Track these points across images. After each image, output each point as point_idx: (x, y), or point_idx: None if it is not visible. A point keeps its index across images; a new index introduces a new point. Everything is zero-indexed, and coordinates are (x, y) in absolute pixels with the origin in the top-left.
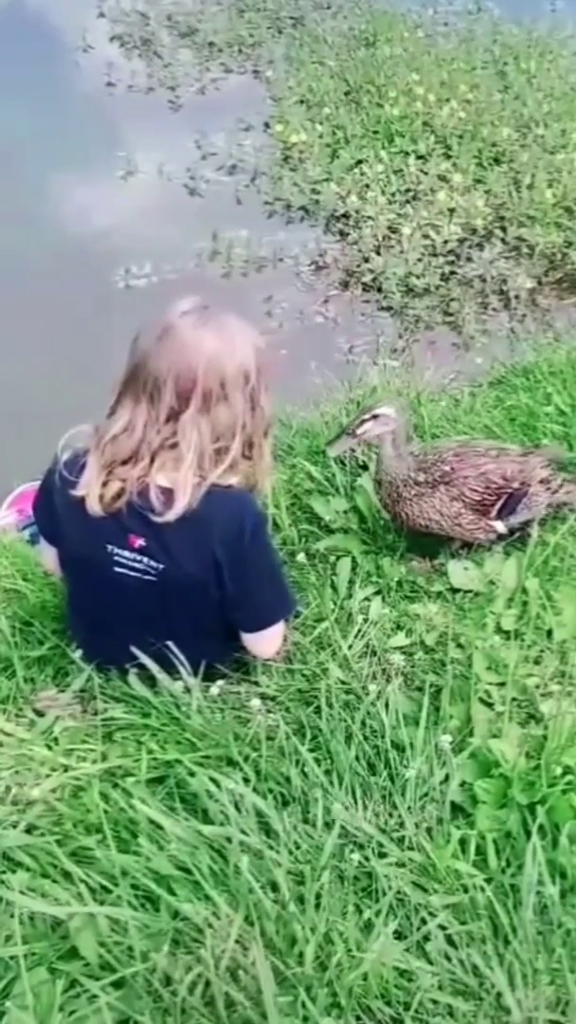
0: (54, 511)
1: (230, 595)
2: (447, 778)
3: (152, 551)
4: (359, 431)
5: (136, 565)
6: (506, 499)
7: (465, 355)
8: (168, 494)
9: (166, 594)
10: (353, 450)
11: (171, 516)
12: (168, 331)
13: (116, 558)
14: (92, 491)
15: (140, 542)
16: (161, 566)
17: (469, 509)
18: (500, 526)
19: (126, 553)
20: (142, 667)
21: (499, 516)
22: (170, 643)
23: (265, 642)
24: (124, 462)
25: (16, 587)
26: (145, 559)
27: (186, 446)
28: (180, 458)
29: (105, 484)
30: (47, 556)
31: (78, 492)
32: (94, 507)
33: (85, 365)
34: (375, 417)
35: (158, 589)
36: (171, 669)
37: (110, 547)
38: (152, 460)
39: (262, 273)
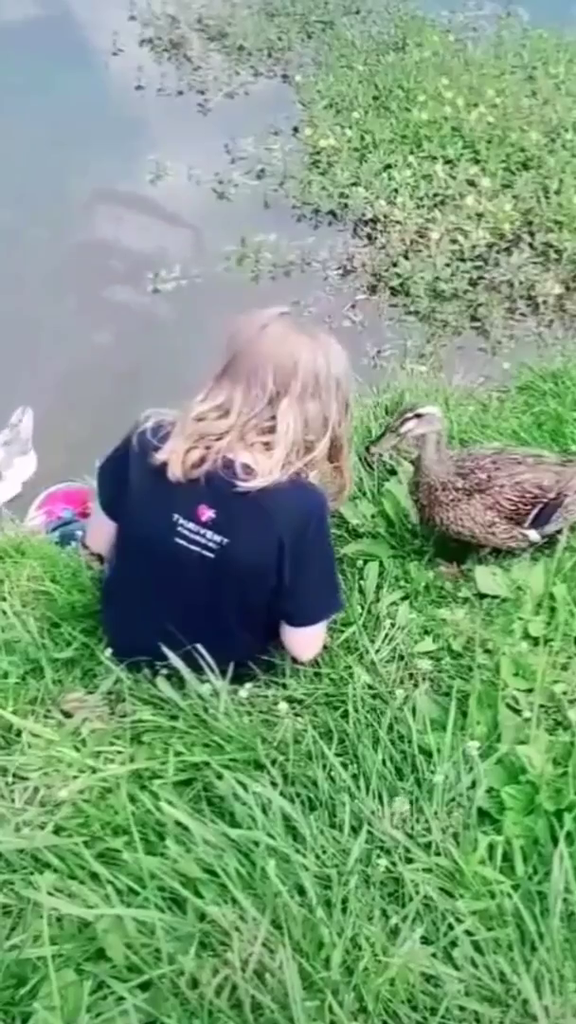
0: (125, 477)
1: (285, 583)
2: (474, 784)
3: (219, 525)
4: (402, 429)
5: (198, 539)
6: (541, 508)
7: (493, 360)
8: (250, 471)
9: (221, 574)
10: (383, 454)
11: (256, 483)
12: (268, 327)
13: (180, 529)
14: (175, 456)
15: (209, 514)
16: (225, 540)
17: (503, 518)
18: (534, 535)
19: (191, 525)
20: (173, 664)
21: (533, 525)
22: (201, 634)
23: (307, 641)
24: (210, 435)
25: (44, 589)
26: (209, 533)
27: (283, 430)
28: (271, 443)
29: (189, 451)
30: (96, 529)
31: (160, 456)
32: (175, 471)
33: (114, 367)
34: (419, 416)
35: (215, 568)
36: (202, 668)
37: (176, 516)
38: (240, 439)
39: (290, 277)
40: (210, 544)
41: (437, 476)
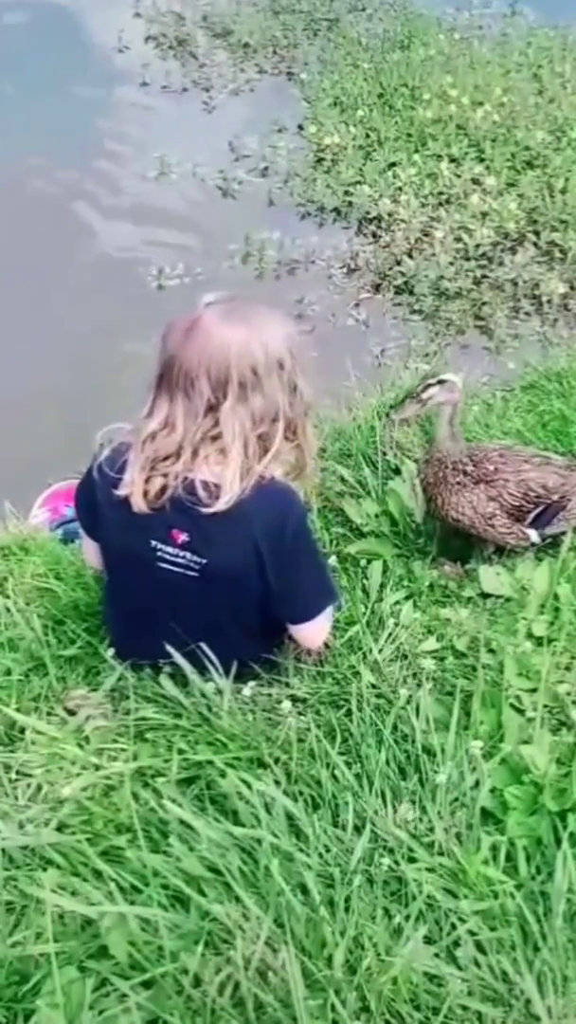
0: (96, 507)
1: (273, 587)
2: (477, 784)
3: (195, 546)
4: (424, 395)
5: (179, 560)
6: (543, 509)
7: (497, 359)
8: (214, 488)
9: (208, 589)
10: (406, 421)
11: (220, 506)
12: (195, 325)
13: (159, 553)
14: (136, 489)
15: (183, 537)
16: (204, 560)
17: (504, 512)
18: (534, 535)
19: (169, 549)
20: (177, 664)
21: (534, 525)
22: (203, 644)
23: (311, 634)
24: (166, 458)
25: (48, 586)
26: (188, 554)
27: (230, 436)
28: (224, 449)
29: (148, 480)
30: (88, 550)
31: (121, 492)
32: (139, 504)
33: (118, 365)
34: (441, 383)
35: (200, 584)
36: (205, 669)
37: (154, 543)
38: (194, 454)
39: (294, 275)
40: (191, 564)
41: (449, 454)
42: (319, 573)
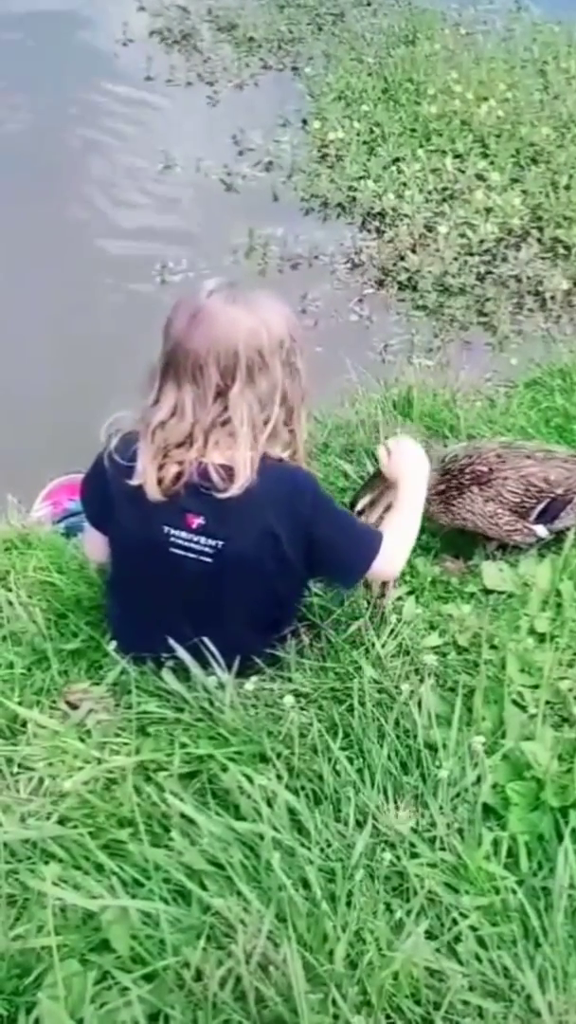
0: (107, 496)
1: (298, 569)
2: (479, 779)
3: (210, 529)
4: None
5: (193, 546)
6: (548, 504)
7: (500, 355)
8: (227, 471)
9: (222, 575)
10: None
11: (235, 490)
12: (199, 312)
13: (172, 539)
14: (149, 477)
15: (198, 521)
16: (220, 543)
17: (507, 510)
18: (541, 530)
19: (183, 534)
20: (179, 658)
21: (540, 520)
22: (207, 637)
23: (379, 574)
24: (178, 445)
25: (51, 580)
26: (202, 539)
27: (239, 420)
28: (234, 433)
29: (162, 467)
30: (92, 543)
31: (134, 481)
32: (153, 493)
33: (120, 359)
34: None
35: (214, 570)
36: (207, 663)
37: (167, 528)
38: (206, 440)
39: (297, 270)
40: (205, 549)
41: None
42: (351, 531)
